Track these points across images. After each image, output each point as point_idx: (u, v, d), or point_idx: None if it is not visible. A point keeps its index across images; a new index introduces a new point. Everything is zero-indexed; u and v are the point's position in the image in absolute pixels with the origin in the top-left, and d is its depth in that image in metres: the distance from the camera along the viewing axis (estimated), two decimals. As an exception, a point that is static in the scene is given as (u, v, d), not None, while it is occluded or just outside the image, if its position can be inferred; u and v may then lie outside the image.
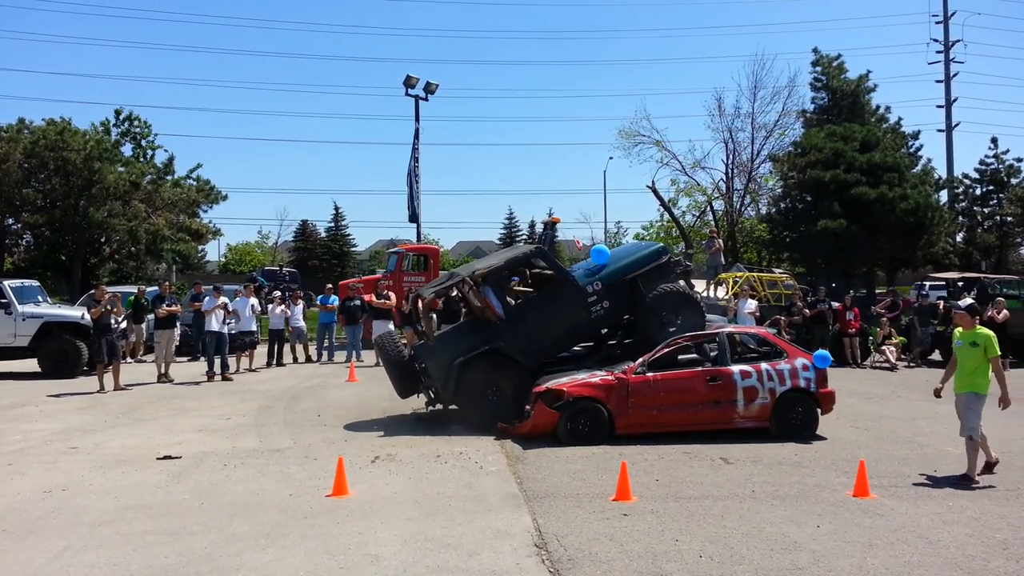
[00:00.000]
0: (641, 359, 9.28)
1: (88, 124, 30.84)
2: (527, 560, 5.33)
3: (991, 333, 7.55)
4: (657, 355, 9.31)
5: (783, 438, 9.02)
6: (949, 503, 6.68)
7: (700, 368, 9.43)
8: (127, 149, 32.73)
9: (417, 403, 11.08)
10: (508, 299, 10.43)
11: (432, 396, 10.35)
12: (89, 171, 27.56)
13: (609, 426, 8.94)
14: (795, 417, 9.25)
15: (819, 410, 9.35)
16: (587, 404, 8.93)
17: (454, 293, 12.32)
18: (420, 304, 10.60)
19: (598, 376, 9.19)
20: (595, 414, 8.93)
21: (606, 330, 11.11)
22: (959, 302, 9.58)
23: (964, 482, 7.27)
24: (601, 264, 10.61)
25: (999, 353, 7.51)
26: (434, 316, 13.65)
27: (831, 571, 5.12)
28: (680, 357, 9.69)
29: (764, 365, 9.29)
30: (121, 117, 33.45)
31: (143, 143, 33.90)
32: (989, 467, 7.57)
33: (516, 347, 9.92)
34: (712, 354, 9.73)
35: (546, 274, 10.89)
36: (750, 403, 9.13)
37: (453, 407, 10.39)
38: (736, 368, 9.22)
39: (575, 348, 10.95)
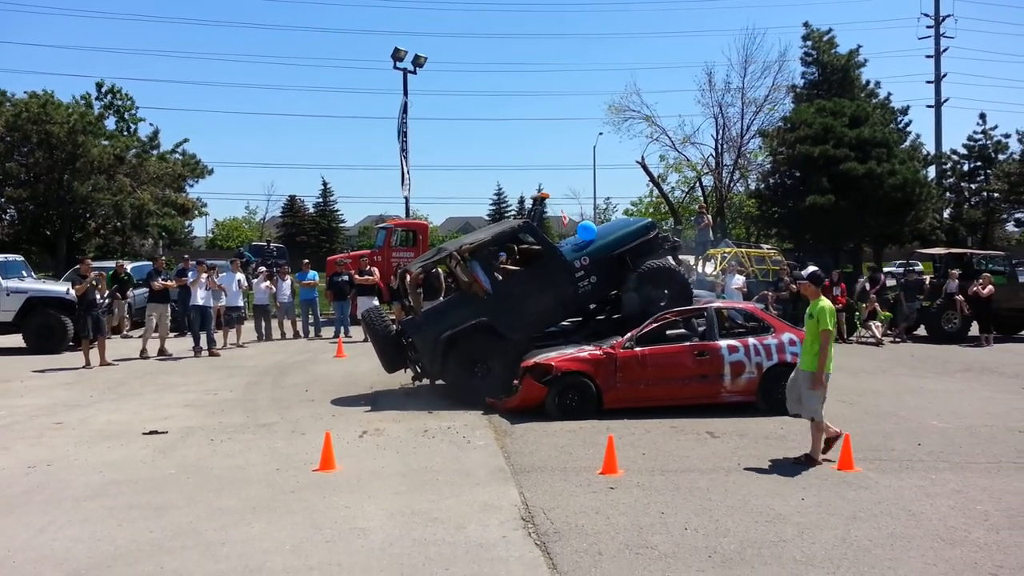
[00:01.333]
0: (629, 334, 9.28)
1: (69, 97, 30.34)
2: (514, 533, 5.35)
3: (826, 305, 7.05)
4: (645, 330, 9.32)
5: (770, 412, 9.07)
6: (932, 476, 6.74)
7: (688, 343, 9.45)
8: (110, 123, 32.30)
9: (405, 378, 11.07)
10: (496, 274, 10.39)
11: (418, 371, 10.34)
12: (73, 144, 27.21)
13: (597, 401, 8.96)
14: (782, 391, 9.27)
15: None
16: (575, 379, 8.94)
17: (442, 268, 12.27)
18: (407, 279, 10.54)
19: (586, 351, 9.20)
20: (583, 389, 8.95)
21: (594, 305, 11.10)
22: (803, 271, 9.21)
23: (808, 463, 7.00)
24: (588, 240, 10.58)
25: (831, 327, 6.99)
26: (420, 292, 13.59)
27: (815, 543, 5.16)
28: (668, 332, 9.70)
29: (751, 340, 9.31)
30: (103, 90, 32.97)
31: (126, 116, 33.44)
32: (829, 443, 7.19)
33: (503, 322, 9.90)
34: (700, 329, 9.75)
35: (534, 249, 10.85)
36: (737, 377, 9.16)
37: (440, 383, 10.39)
38: (723, 343, 9.24)
39: (563, 323, 10.95)
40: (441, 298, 12.48)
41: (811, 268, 8.12)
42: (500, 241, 11.04)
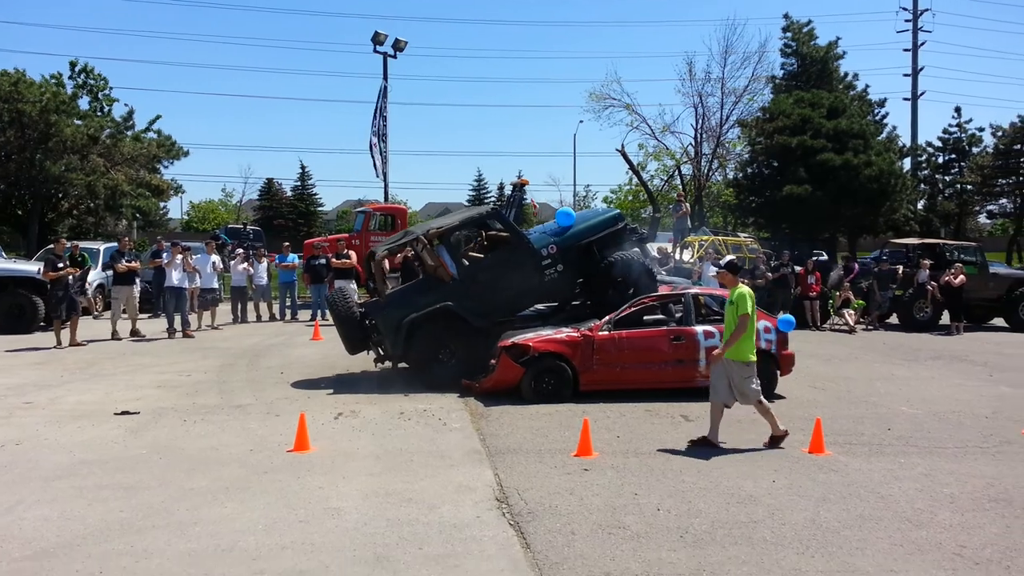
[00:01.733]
0: (608, 317, 9.32)
1: (40, 76, 29.70)
2: (488, 513, 5.37)
3: (744, 291, 7.09)
4: (623, 314, 9.36)
5: (743, 397, 9.16)
6: (901, 460, 6.85)
7: (665, 328, 9.50)
8: (83, 103, 31.68)
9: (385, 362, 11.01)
10: (463, 260, 10.36)
11: (381, 353, 10.30)
12: (45, 124, 26.68)
13: (573, 384, 9.00)
14: None
15: (779, 371, 9.50)
16: (552, 362, 8.96)
17: (408, 251, 12.17)
18: (373, 262, 10.45)
19: (564, 332, 9.23)
20: (559, 372, 8.97)
21: (562, 294, 11.06)
22: (721, 260, 9.29)
23: (774, 444, 7.10)
24: (567, 226, 10.57)
25: (749, 311, 6.99)
26: (399, 276, 13.52)
27: (785, 524, 5.23)
28: (645, 317, 9.75)
29: (727, 326, 9.37)
30: (76, 69, 32.31)
31: (100, 96, 32.82)
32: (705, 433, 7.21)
33: (468, 307, 9.83)
34: (677, 315, 9.81)
35: (501, 236, 10.80)
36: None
37: (403, 366, 10.35)
38: (700, 328, 9.30)
39: (539, 307, 10.95)
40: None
41: (728, 257, 8.15)
42: (468, 226, 11.01)
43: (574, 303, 11.08)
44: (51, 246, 15.25)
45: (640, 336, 9.25)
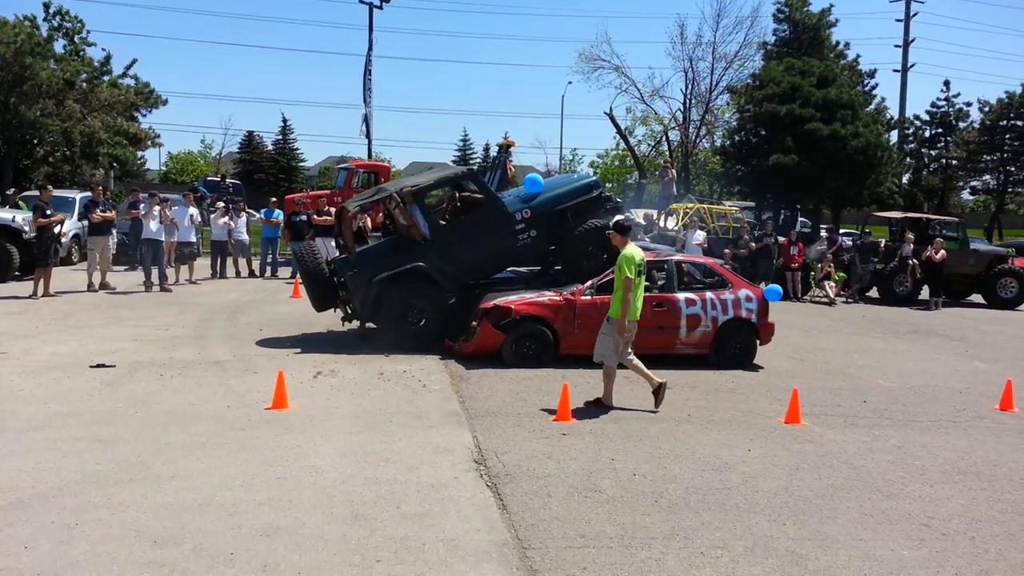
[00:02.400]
0: (590, 282, 9.30)
1: (13, 16, 28.82)
2: (465, 475, 5.39)
3: (625, 253, 7.15)
4: (606, 279, 9.34)
5: (721, 366, 9.23)
6: (875, 432, 6.95)
7: (647, 294, 9.49)
8: (59, 46, 30.78)
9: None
10: (439, 220, 10.24)
11: (348, 312, 10.22)
12: (20, 66, 25.87)
13: (554, 348, 9.01)
14: (735, 346, 9.46)
15: (758, 341, 9.56)
16: (533, 326, 8.95)
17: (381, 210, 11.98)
18: (344, 217, 10.25)
19: (546, 296, 9.21)
20: (540, 337, 8.97)
21: (535, 260, 10.99)
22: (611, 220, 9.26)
23: (598, 406, 7.24)
24: (534, 193, 10.46)
25: (629, 275, 7.06)
26: (380, 235, 13.37)
27: (758, 491, 5.30)
28: None
29: (708, 294, 9.41)
30: (51, 11, 31.35)
31: (76, 39, 31.91)
32: (657, 393, 7.32)
33: (439, 268, 9.74)
34: (659, 282, 9.81)
35: (475, 198, 10.68)
36: (692, 330, 9.28)
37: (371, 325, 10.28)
38: (681, 296, 9.32)
39: (520, 270, 10.91)
40: None
41: (618, 217, 8.11)
42: (441, 185, 10.88)
43: (556, 268, 11.04)
44: (38, 192, 14.92)
45: None
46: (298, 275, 16.43)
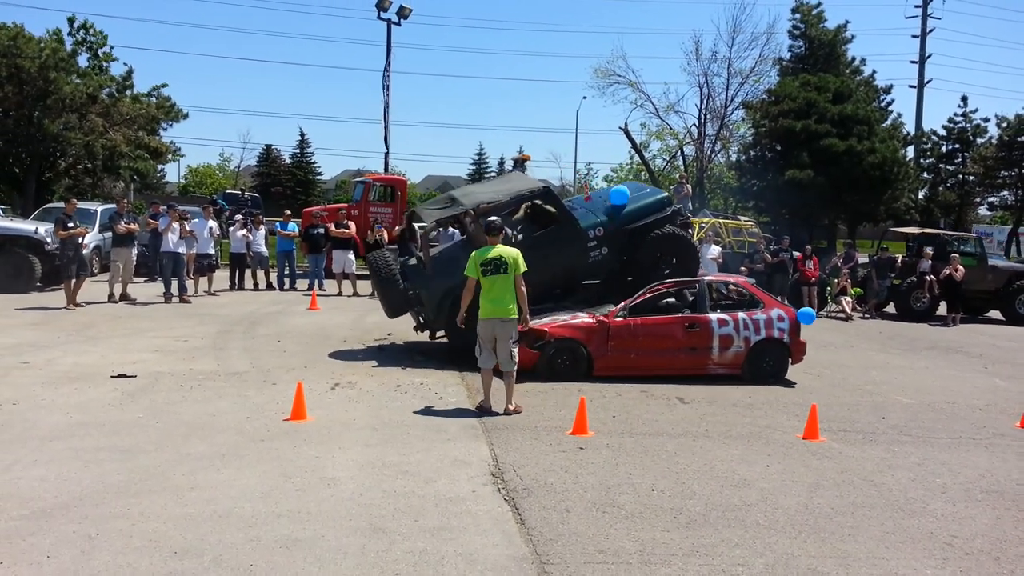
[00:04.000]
0: (623, 303, 9.28)
1: (40, 31, 29.31)
2: (483, 488, 5.39)
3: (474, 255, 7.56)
4: (638, 300, 9.33)
5: (753, 382, 9.19)
6: (895, 449, 6.89)
7: (679, 315, 9.46)
8: (82, 60, 31.24)
9: (380, 332, 11.02)
10: (513, 235, 10.20)
11: (421, 321, 10.28)
12: (44, 80, 26.31)
13: (588, 367, 9.00)
14: (767, 364, 9.40)
15: (790, 359, 9.52)
16: (568, 343, 8.96)
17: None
18: (414, 224, 10.20)
19: (579, 318, 9.19)
20: (574, 352, 8.98)
21: (602, 275, 10.88)
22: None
23: (484, 411, 7.38)
24: (620, 204, 10.39)
25: (473, 275, 7.54)
26: (396, 248, 13.42)
27: (778, 508, 5.26)
28: (659, 303, 9.70)
29: (741, 314, 9.36)
30: (75, 25, 31.85)
31: (99, 54, 32.37)
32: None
33: None
34: (690, 301, 9.76)
35: (548, 212, 10.65)
36: (725, 351, 9.23)
37: (412, 339, 10.32)
38: (714, 316, 9.28)
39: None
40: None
41: (492, 218, 8.11)
42: (518, 203, 10.78)
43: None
44: (62, 204, 15.16)
45: (654, 323, 9.22)
46: (314, 287, 16.63)
